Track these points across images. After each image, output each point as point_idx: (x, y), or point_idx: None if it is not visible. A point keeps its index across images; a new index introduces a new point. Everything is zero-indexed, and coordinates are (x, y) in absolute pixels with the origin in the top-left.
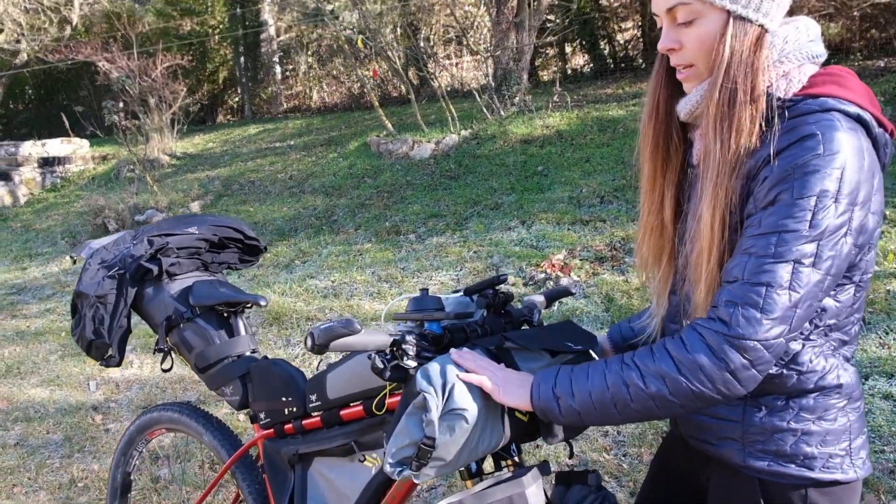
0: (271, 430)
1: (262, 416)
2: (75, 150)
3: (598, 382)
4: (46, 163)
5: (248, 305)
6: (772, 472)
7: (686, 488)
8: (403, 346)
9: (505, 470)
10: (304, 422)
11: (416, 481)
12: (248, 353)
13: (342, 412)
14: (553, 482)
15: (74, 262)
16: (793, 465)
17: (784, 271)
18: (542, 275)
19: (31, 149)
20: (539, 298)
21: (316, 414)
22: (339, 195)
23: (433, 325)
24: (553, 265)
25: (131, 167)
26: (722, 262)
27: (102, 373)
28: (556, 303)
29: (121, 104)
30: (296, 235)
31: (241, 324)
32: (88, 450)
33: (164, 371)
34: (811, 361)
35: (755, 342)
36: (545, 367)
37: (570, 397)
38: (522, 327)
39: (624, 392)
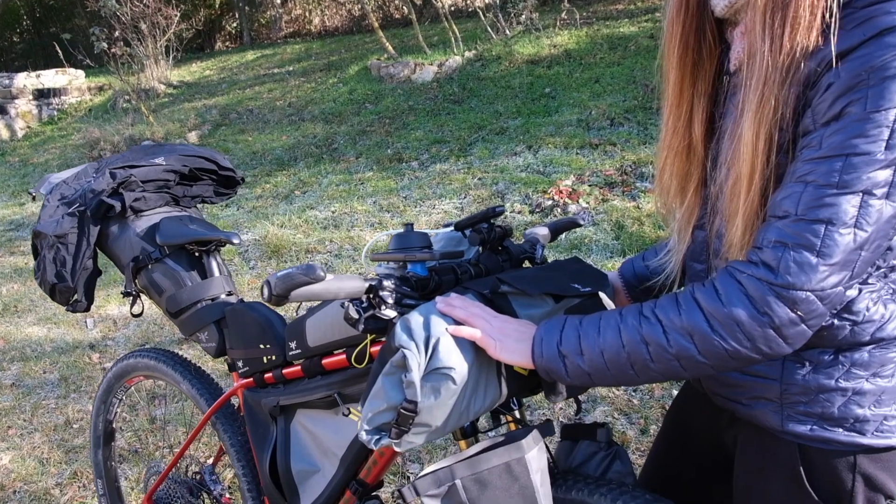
0: (250, 378)
1: (240, 364)
2: (71, 82)
3: (612, 339)
4: (42, 95)
5: (221, 243)
6: (814, 438)
7: (706, 447)
8: (380, 293)
9: (504, 428)
10: (284, 370)
11: (397, 450)
12: (223, 296)
13: (324, 361)
14: (559, 437)
15: (34, 199)
16: (840, 430)
17: (849, 205)
18: (550, 202)
19: (26, 80)
20: (542, 231)
21: (297, 362)
22: (340, 122)
23: (417, 266)
24: (561, 191)
25: (127, 98)
26: (765, 192)
27: (100, 310)
28: (563, 235)
29: (113, 31)
30: (295, 165)
31: (214, 264)
32: (84, 390)
33: (135, 316)
34: (868, 310)
35: (807, 292)
36: (548, 316)
37: (578, 356)
38: (524, 265)
39: (643, 351)
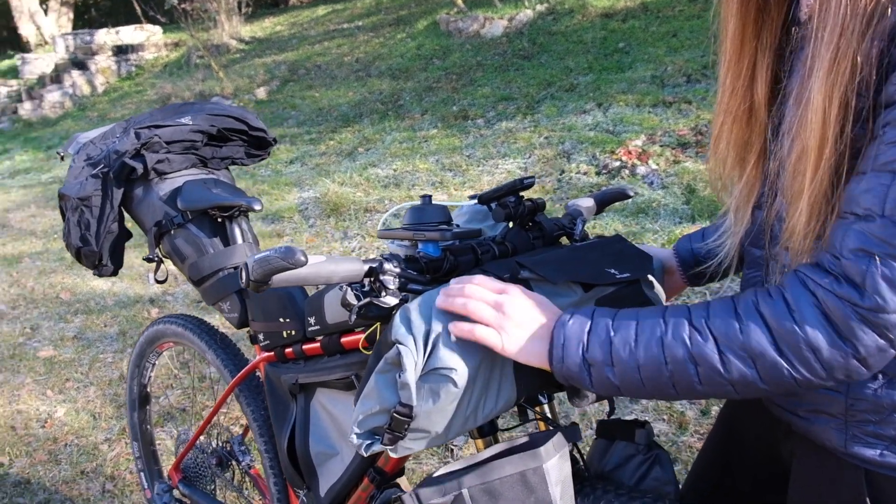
0: (272, 353)
1: (261, 337)
2: (148, 38)
3: (652, 353)
4: (120, 51)
5: (243, 209)
6: (885, 465)
7: (762, 458)
8: (381, 277)
9: (533, 425)
10: (304, 346)
11: (392, 455)
12: None
13: (343, 339)
14: (595, 434)
15: (62, 159)
16: None
17: None
18: (617, 163)
19: (106, 37)
20: (587, 203)
21: (317, 339)
22: (406, 78)
23: (428, 245)
24: (629, 152)
25: (200, 54)
26: (838, 171)
27: (163, 264)
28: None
29: None
30: (360, 122)
31: (237, 230)
32: None
33: (158, 282)
34: None
35: None
36: (574, 307)
37: (607, 367)
38: (560, 243)
39: (690, 372)
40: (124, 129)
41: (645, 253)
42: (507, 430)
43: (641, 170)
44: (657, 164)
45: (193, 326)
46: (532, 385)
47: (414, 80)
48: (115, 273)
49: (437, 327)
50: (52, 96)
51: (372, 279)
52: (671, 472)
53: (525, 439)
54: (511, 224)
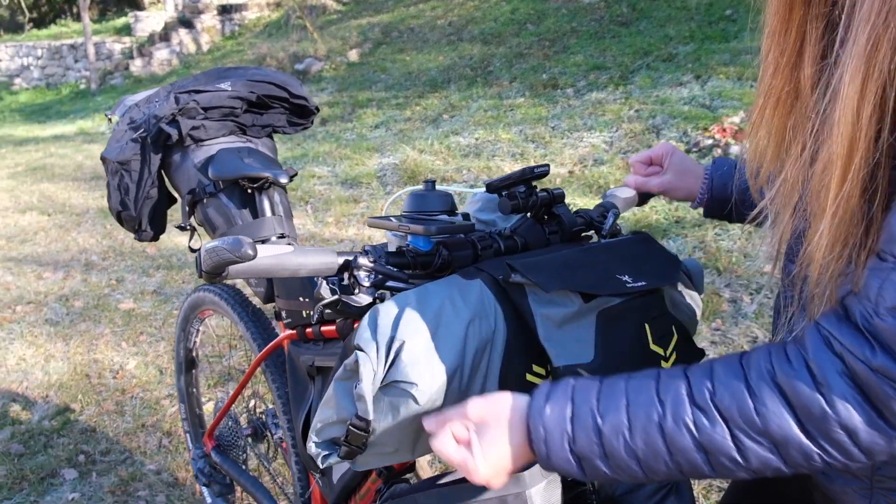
0: (294, 331)
1: (283, 314)
2: None
3: (651, 440)
4: (225, 10)
5: (269, 182)
6: None
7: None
8: (355, 273)
9: None
10: (322, 328)
11: (354, 468)
12: (273, 238)
13: (356, 323)
14: None
15: (110, 122)
16: None
17: None
18: (710, 140)
19: None
20: (626, 193)
21: (334, 321)
22: (498, 43)
23: (419, 239)
24: (724, 130)
25: (298, 14)
26: (872, 188)
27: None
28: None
29: None
30: (447, 87)
31: (266, 202)
32: None
33: (193, 251)
34: None
35: None
36: (570, 320)
37: (601, 460)
38: (584, 239)
39: (697, 461)
40: (168, 92)
41: (673, 257)
42: None
43: (735, 149)
44: None
45: (228, 297)
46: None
47: (505, 46)
48: (155, 238)
49: (402, 334)
50: (161, 54)
51: (349, 274)
52: (690, 501)
53: None
54: (528, 216)
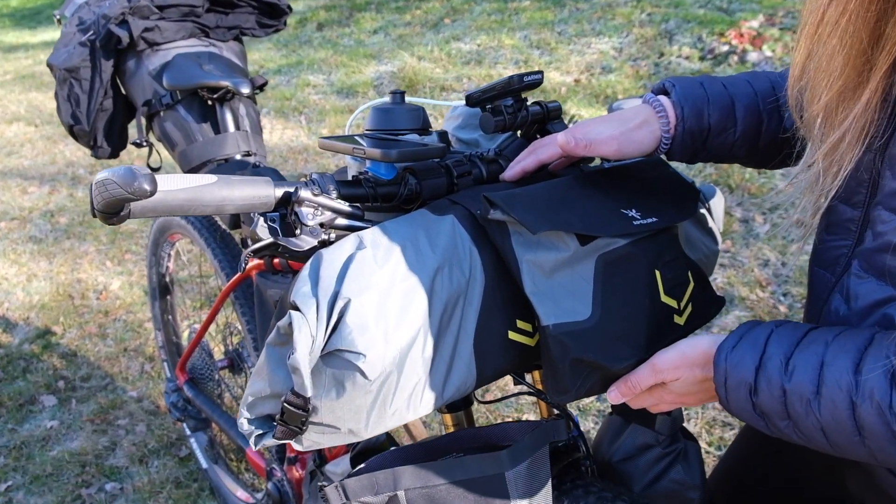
0: (262, 261)
1: (249, 242)
2: None
3: (839, 416)
4: None
5: (229, 92)
6: None
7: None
8: (297, 209)
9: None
10: (290, 260)
11: (298, 449)
12: (237, 157)
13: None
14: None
15: (59, 23)
16: None
17: None
18: (725, 47)
19: None
20: (634, 104)
21: None
22: None
23: (379, 166)
24: (742, 35)
25: None
26: None
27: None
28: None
29: None
30: None
31: (228, 116)
32: None
33: (152, 169)
34: None
35: None
36: (562, 266)
37: (782, 421)
38: (581, 164)
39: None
40: None
41: (690, 186)
42: (488, 402)
43: (753, 56)
44: (772, 51)
45: (196, 220)
46: (501, 366)
47: None
48: (114, 155)
49: (348, 290)
50: None
51: (289, 208)
52: (698, 472)
53: (497, 428)
54: (518, 134)
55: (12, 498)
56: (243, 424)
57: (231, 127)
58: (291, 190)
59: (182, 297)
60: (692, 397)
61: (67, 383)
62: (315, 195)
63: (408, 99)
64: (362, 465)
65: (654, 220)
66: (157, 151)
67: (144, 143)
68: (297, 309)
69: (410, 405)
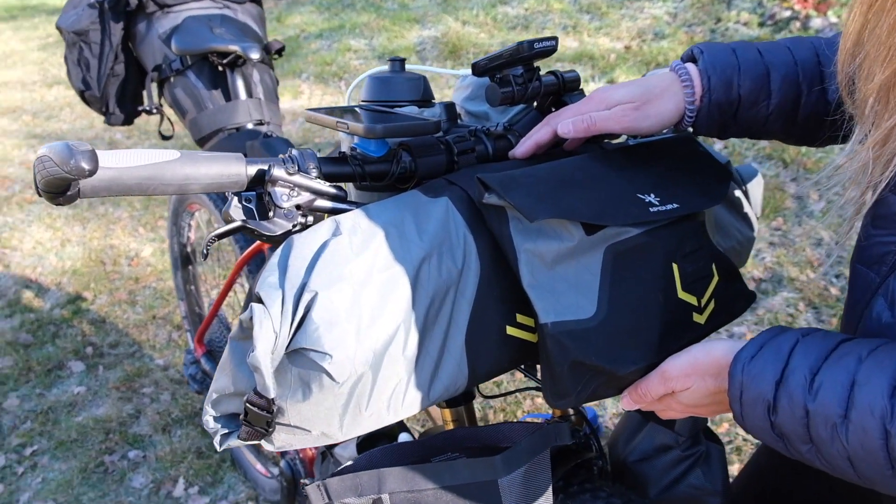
0: None
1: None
2: None
3: (870, 446)
4: None
5: (238, 58)
6: None
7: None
8: (270, 189)
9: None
10: (266, 243)
11: (268, 448)
12: (249, 126)
13: None
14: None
15: None
16: None
17: None
18: (788, 12)
19: None
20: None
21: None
22: None
23: (369, 142)
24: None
25: None
26: None
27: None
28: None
29: None
30: None
31: (239, 83)
32: None
33: (164, 138)
34: None
35: None
36: (565, 258)
37: (803, 443)
38: (605, 140)
39: None
40: None
41: (723, 167)
42: (491, 397)
43: (817, 23)
44: (838, 17)
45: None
46: (497, 364)
47: None
48: (128, 122)
49: (316, 282)
50: None
51: (263, 188)
52: (719, 477)
53: (495, 428)
54: (533, 107)
55: (37, 462)
56: (208, 423)
57: (242, 94)
58: (266, 168)
59: (213, 265)
60: (704, 409)
61: (95, 349)
62: (290, 174)
63: (410, 67)
64: (348, 465)
65: (675, 206)
66: (169, 119)
67: (154, 111)
68: (259, 301)
69: (391, 407)
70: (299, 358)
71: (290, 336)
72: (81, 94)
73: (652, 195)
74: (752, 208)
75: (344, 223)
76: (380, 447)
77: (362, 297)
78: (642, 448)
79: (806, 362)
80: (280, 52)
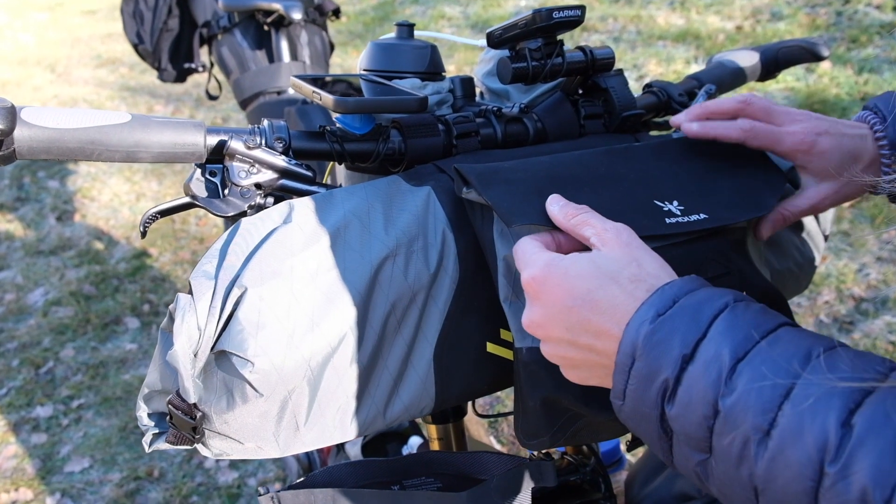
0: None
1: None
2: None
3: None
4: None
5: (282, 17)
6: None
7: None
8: (227, 164)
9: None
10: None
11: (206, 454)
12: (290, 91)
13: None
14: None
15: None
16: None
17: None
18: None
19: None
20: (747, 58)
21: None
22: None
23: (352, 118)
24: None
25: None
26: None
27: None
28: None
29: None
30: None
31: (283, 44)
32: None
33: (210, 98)
34: None
35: None
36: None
37: (697, 452)
38: (643, 131)
39: None
40: None
41: (775, 171)
42: (485, 417)
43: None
44: None
45: None
46: (472, 385)
47: None
48: (180, 79)
49: (248, 277)
50: None
51: (223, 163)
52: None
53: (472, 457)
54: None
55: (82, 416)
56: (141, 419)
57: (286, 56)
58: (227, 138)
59: None
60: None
61: (152, 307)
62: (249, 147)
63: (420, 34)
64: (303, 479)
65: (702, 216)
66: (216, 78)
67: (202, 69)
68: (189, 291)
69: (340, 425)
70: (225, 361)
71: (217, 335)
72: (136, 48)
73: (675, 202)
74: (821, 224)
75: (298, 209)
76: (347, 462)
77: (302, 298)
78: (659, 495)
79: (730, 339)
80: (336, 13)
